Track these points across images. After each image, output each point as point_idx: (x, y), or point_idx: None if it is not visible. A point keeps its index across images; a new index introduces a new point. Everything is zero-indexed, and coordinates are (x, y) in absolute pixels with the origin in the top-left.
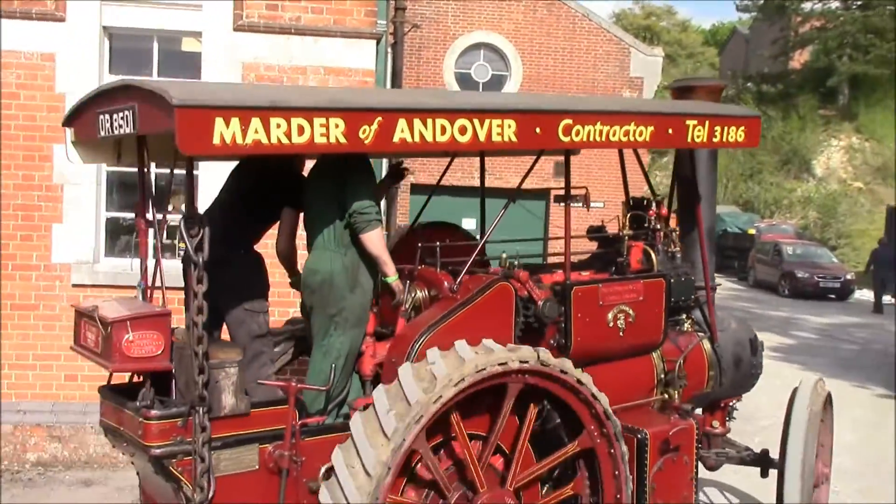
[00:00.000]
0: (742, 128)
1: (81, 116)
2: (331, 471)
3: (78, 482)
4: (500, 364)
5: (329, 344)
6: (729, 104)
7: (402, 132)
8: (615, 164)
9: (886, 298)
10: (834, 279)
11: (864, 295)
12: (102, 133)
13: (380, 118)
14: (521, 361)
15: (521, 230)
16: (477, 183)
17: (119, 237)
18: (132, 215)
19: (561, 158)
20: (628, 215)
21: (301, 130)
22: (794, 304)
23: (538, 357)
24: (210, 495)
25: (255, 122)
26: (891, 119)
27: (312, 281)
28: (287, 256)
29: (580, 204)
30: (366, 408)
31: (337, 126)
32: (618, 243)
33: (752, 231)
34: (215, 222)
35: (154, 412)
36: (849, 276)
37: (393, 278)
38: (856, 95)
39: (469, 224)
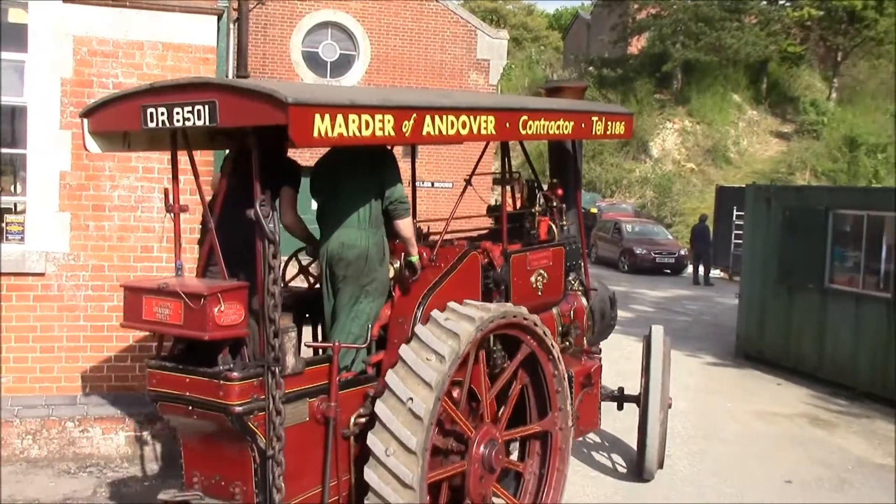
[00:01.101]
0: (622, 122)
1: (112, 108)
2: (384, 396)
3: None
4: (514, 316)
5: (359, 310)
6: (612, 104)
7: (427, 126)
8: (459, 149)
9: (716, 272)
10: (669, 255)
11: None
12: (151, 125)
13: (415, 115)
14: (521, 316)
15: None
16: None
17: None
18: None
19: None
20: (539, 195)
21: (367, 125)
22: (632, 279)
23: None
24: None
25: (339, 118)
26: (720, 103)
27: (349, 254)
28: (297, 226)
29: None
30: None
31: (389, 121)
32: (527, 218)
33: (594, 210)
34: (237, 203)
35: (235, 374)
36: (682, 252)
37: (416, 258)
38: (688, 81)
39: None
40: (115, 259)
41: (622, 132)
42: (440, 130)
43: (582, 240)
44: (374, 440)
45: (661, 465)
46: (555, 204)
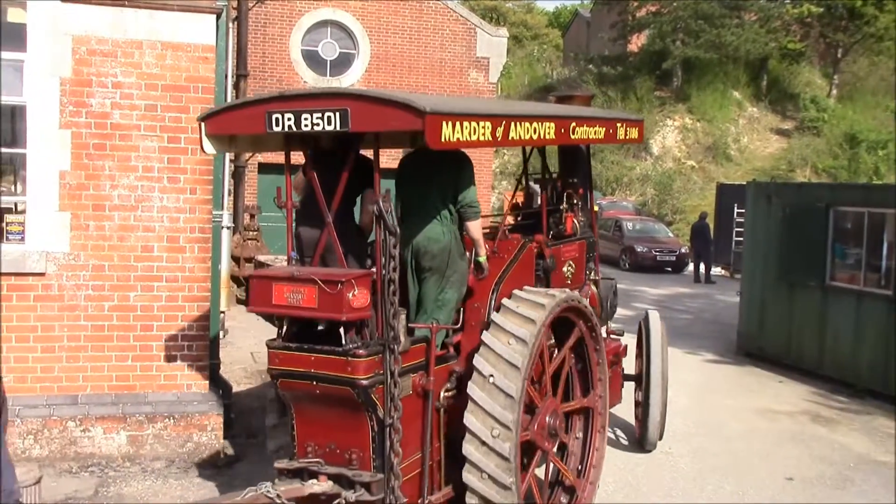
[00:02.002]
0: (637, 128)
1: (231, 114)
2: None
3: None
4: (572, 300)
5: (444, 298)
6: (620, 111)
7: (512, 132)
8: None
9: (717, 269)
10: (670, 252)
11: None
12: (277, 129)
13: (505, 121)
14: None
15: None
16: None
17: None
18: None
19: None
20: (565, 195)
21: (474, 131)
22: (633, 276)
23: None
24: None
25: (457, 125)
26: (720, 101)
27: (434, 247)
28: (371, 227)
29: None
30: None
31: (487, 127)
32: (553, 215)
33: (595, 208)
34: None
35: (362, 351)
36: (683, 250)
37: (484, 258)
38: (688, 78)
39: None
40: (116, 258)
41: (636, 137)
42: (519, 135)
43: (594, 234)
44: (489, 338)
45: (661, 437)
46: (576, 202)
